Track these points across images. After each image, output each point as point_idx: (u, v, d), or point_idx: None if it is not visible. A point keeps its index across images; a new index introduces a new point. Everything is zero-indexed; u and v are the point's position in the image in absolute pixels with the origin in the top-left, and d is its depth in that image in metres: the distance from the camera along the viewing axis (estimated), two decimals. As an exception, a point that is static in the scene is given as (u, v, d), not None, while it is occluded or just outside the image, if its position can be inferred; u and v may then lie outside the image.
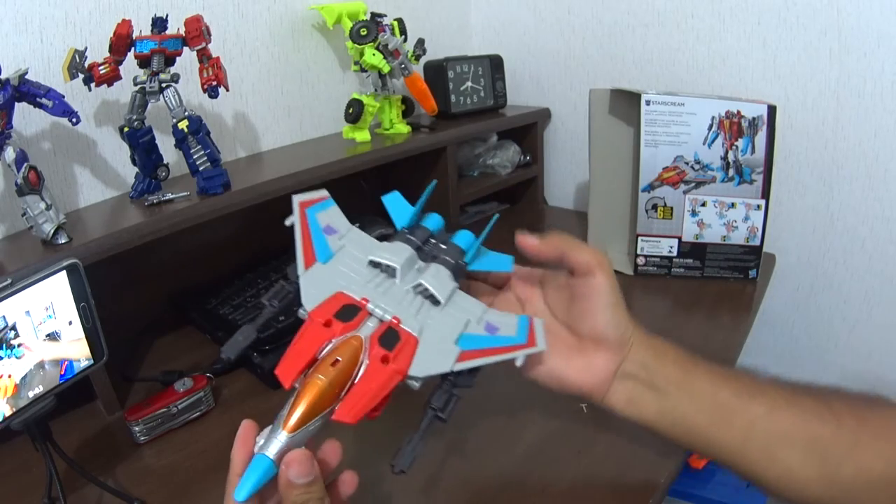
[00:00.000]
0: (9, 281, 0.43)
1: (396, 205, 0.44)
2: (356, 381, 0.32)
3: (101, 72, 0.65)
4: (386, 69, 0.91)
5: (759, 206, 0.82)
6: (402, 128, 1.00)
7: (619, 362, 0.43)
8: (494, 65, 1.13)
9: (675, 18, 1.00)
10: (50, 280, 0.45)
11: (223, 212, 0.70)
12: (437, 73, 1.06)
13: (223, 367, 0.67)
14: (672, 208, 0.84)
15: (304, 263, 0.36)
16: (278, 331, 0.64)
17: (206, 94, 0.71)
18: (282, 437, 0.30)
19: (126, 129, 0.68)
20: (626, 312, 0.43)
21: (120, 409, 0.63)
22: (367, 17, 0.93)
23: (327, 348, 0.32)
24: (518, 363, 0.37)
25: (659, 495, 0.48)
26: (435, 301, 0.38)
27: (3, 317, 0.42)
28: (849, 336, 1.00)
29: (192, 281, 0.81)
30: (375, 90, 0.95)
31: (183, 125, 0.68)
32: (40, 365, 0.44)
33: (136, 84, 0.68)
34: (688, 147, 0.81)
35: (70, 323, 0.46)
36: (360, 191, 0.97)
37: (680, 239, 0.86)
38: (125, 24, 0.66)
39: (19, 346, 0.43)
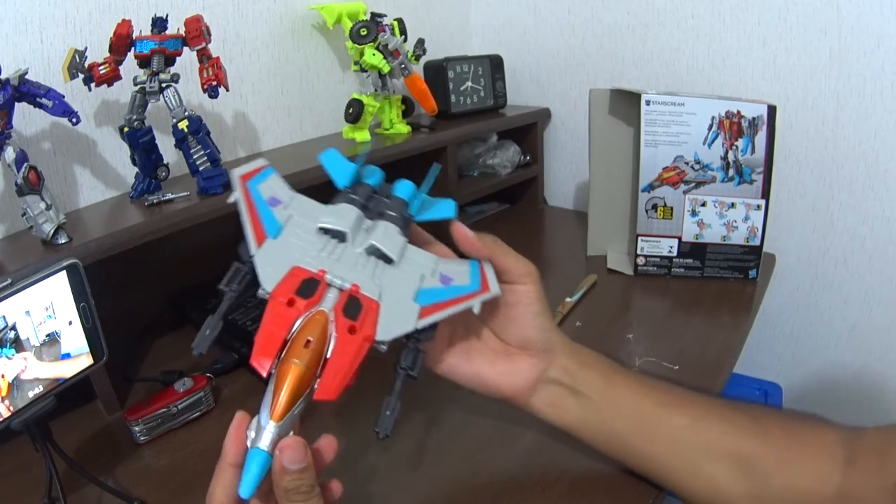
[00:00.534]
0: (9, 281, 0.43)
1: (334, 163, 0.42)
2: (329, 357, 0.32)
3: (101, 72, 0.65)
4: (386, 69, 0.91)
5: (759, 206, 0.82)
6: (402, 128, 1.00)
7: (544, 369, 0.43)
8: (494, 65, 1.13)
9: (675, 18, 1.01)
10: (50, 280, 0.45)
11: (223, 212, 0.70)
12: (437, 73, 1.06)
13: (223, 367, 0.67)
14: (672, 208, 0.84)
15: (256, 241, 0.35)
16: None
17: (206, 94, 0.71)
18: (271, 428, 0.30)
19: (126, 129, 0.68)
20: (553, 321, 0.44)
21: (120, 409, 0.63)
22: (367, 17, 0.93)
23: (295, 327, 0.32)
24: (475, 310, 0.37)
25: (659, 495, 0.48)
26: (388, 260, 0.38)
27: (3, 317, 0.42)
28: (849, 336, 0.99)
29: (192, 281, 0.81)
30: (375, 90, 0.95)
31: (183, 125, 0.68)
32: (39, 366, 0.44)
33: (136, 84, 0.68)
34: (688, 147, 0.81)
35: (70, 323, 0.46)
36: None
37: (680, 239, 0.85)
38: (125, 24, 0.66)
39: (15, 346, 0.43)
